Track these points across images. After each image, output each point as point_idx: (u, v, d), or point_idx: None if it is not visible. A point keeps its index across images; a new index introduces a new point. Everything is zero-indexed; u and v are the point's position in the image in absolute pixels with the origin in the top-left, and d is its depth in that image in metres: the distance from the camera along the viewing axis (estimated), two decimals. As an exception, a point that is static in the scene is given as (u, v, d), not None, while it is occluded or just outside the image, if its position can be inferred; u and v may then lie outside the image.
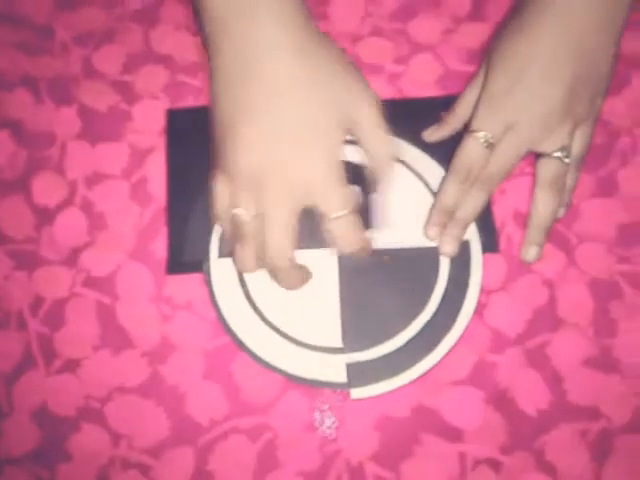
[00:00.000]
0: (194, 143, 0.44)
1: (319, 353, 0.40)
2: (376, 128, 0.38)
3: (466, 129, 0.42)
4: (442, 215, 0.41)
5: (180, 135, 0.45)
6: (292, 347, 0.41)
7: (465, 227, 0.42)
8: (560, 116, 0.39)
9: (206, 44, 0.37)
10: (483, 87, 0.41)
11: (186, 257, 0.42)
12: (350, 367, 0.40)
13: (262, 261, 0.38)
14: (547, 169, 0.41)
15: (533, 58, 0.39)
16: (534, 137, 0.40)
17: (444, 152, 0.43)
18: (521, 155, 0.41)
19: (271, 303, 0.41)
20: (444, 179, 0.42)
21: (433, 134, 0.45)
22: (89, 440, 0.40)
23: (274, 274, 0.39)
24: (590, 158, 0.43)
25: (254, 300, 0.41)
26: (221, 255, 0.42)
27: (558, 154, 0.40)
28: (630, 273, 0.42)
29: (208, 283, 0.42)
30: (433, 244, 0.42)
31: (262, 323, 0.41)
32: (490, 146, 0.40)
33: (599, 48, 0.40)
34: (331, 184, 0.36)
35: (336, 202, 0.36)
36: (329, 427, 0.40)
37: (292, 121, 0.36)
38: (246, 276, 0.42)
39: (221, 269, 0.42)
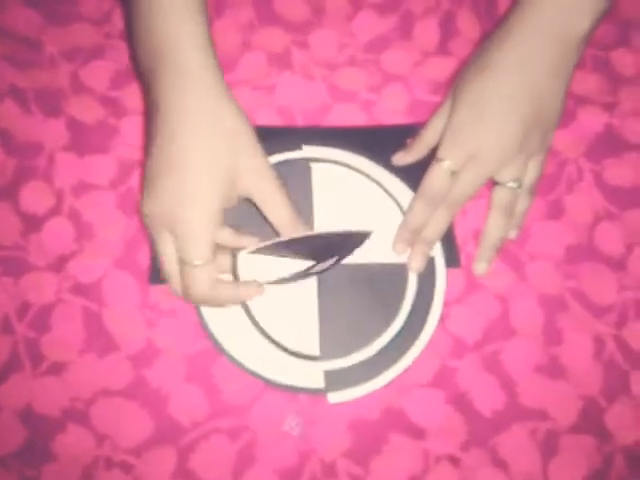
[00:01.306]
0: None
1: (298, 359, 0.43)
2: (273, 197, 0.41)
3: (432, 155, 0.46)
4: (409, 233, 0.46)
5: None
6: (272, 353, 0.43)
7: (431, 245, 0.46)
8: (515, 150, 0.44)
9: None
10: (449, 119, 0.45)
11: None
12: (327, 373, 0.43)
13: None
14: (500, 196, 0.46)
15: (493, 97, 0.44)
16: (492, 167, 0.45)
17: (412, 175, 0.48)
18: (481, 182, 0.45)
19: (253, 310, 0.44)
20: (412, 201, 0.46)
21: (401, 158, 0.49)
22: (74, 440, 0.42)
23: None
24: (541, 184, 0.48)
25: (235, 309, 0.44)
26: None
27: (511, 184, 0.45)
28: (575, 289, 0.47)
29: None
30: (402, 260, 0.46)
31: (243, 329, 0.44)
32: (454, 173, 0.44)
33: (551, 90, 0.45)
34: (193, 234, 0.39)
35: (193, 249, 0.39)
36: (301, 429, 0.43)
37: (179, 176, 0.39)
38: None
39: None
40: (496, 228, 0.46)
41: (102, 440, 0.42)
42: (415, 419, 0.43)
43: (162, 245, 0.40)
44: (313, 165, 0.48)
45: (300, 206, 0.45)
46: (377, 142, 0.49)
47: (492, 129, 0.44)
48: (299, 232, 0.42)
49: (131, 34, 0.42)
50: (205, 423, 0.42)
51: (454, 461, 0.43)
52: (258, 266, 0.42)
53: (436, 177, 0.45)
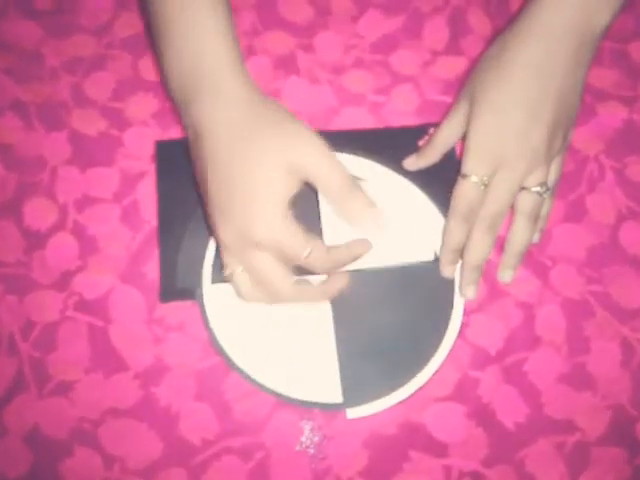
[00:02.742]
0: (183, 173, 0.45)
1: (314, 375, 0.42)
2: (325, 168, 0.38)
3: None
4: (452, 254, 0.44)
5: (169, 165, 0.46)
6: (286, 368, 0.42)
7: (480, 270, 0.44)
8: (542, 154, 0.42)
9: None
10: (471, 128, 0.43)
11: (178, 284, 0.43)
12: (346, 388, 0.41)
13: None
14: (526, 202, 0.43)
15: (518, 102, 0.42)
16: (523, 175, 0.42)
17: (423, 177, 0.46)
18: (514, 192, 0.43)
19: (264, 328, 0.43)
20: (447, 222, 0.44)
21: (413, 164, 0.47)
22: (82, 463, 0.40)
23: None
24: (561, 184, 0.46)
25: (247, 324, 0.43)
26: (214, 281, 0.43)
27: (537, 189, 0.43)
28: (600, 293, 0.45)
29: (201, 307, 0.43)
30: (414, 261, 0.44)
31: (255, 343, 0.42)
32: (484, 186, 0.42)
33: (572, 88, 0.43)
34: (281, 235, 0.38)
35: (293, 248, 0.38)
36: (317, 446, 0.41)
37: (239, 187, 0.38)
38: (239, 303, 0.42)
39: (215, 294, 0.43)
40: (522, 234, 0.44)
41: (111, 462, 0.41)
42: (435, 434, 0.42)
43: (251, 264, 0.39)
44: None
45: (307, 216, 0.43)
46: (386, 145, 0.47)
47: (519, 135, 0.42)
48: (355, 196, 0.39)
49: (160, 56, 0.41)
50: (216, 442, 0.41)
51: (478, 478, 0.41)
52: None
53: (466, 193, 0.42)
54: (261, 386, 0.41)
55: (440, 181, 0.46)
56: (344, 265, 0.41)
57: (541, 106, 0.42)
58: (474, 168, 0.42)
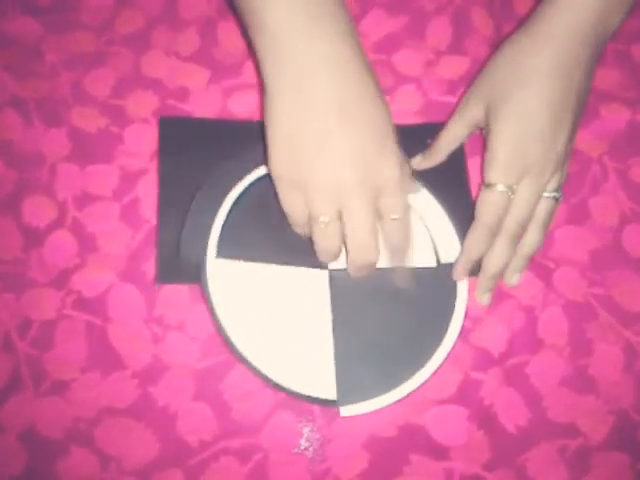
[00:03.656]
0: (186, 150, 0.46)
1: (313, 369, 0.41)
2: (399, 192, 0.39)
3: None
4: (470, 263, 0.43)
5: (172, 142, 0.46)
6: (284, 357, 0.41)
7: (498, 277, 0.43)
8: (563, 158, 0.42)
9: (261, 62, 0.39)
10: (494, 136, 0.42)
11: (178, 265, 0.43)
12: (340, 385, 0.41)
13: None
14: (545, 208, 0.43)
15: (541, 108, 0.41)
16: (546, 180, 0.42)
17: (429, 178, 0.46)
18: (538, 198, 0.42)
19: (266, 313, 0.42)
20: (471, 231, 0.43)
21: (420, 163, 0.46)
22: (78, 463, 0.40)
23: (357, 269, 0.41)
24: (564, 186, 0.46)
25: (250, 306, 0.42)
26: (219, 256, 0.43)
27: (555, 194, 0.43)
28: (603, 296, 0.44)
29: (204, 283, 0.42)
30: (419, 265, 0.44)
31: (263, 335, 0.42)
32: (511, 195, 0.41)
33: (587, 92, 0.43)
34: (397, 187, 0.38)
35: (395, 205, 0.39)
36: (316, 448, 0.41)
37: (354, 135, 0.38)
38: (242, 285, 0.42)
39: (219, 271, 0.42)
40: (536, 239, 0.43)
41: (107, 462, 0.40)
42: (436, 437, 0.41)
43: (329, 212, 0.38)
44: None
45: None
46: (408, 136, 0.47)
47: (545, 141, 0.41)
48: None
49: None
50: (214, 443, 0.41)
51: (479, 481, 0.40)
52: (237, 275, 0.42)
53: (493, 203, 0.42)
54: (259, 373, 0.41)
55: (447, 182, 0.46)
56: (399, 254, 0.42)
57: (563, 110, 0.41)
58: (500, 177, 0.41)
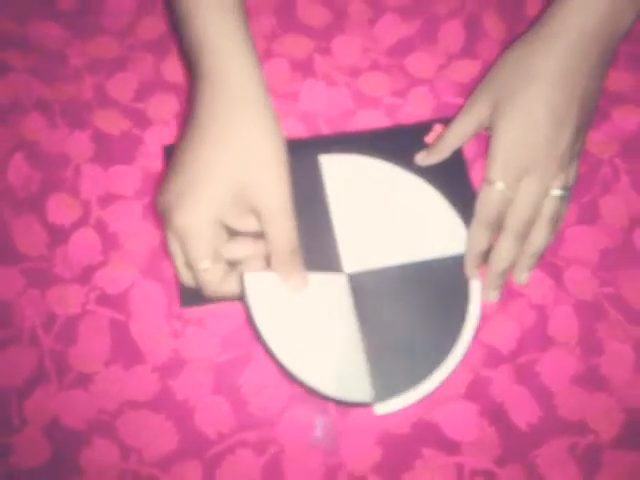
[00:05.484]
0: None
1: (346, 372, 0.42)
2: (276, 218, 0.39)
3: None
4: (477, 259, 0.44)
5: None
6: (321, 362, 0.42)
7: (506, 275, 0.44)
8: (568, 157, 0.43)
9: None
10: (497, 134, 0.43)
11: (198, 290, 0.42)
12: (375, 385, 0.42)
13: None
14: (549, 206, 0.43)
15: (546, 108, 0.42)
16: (550, 179, 0.42)
17: (431, 174, 0.47)
18: (542, 197, 0.43)
19: (299, 318, 0.42)
20: (471, 228, 0.44)
21: (424, 159, 0.47)
22: (100, 454, 0.41)
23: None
24: (575, 187, 0.46)
25: (285, 317, 0.42)
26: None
27: (560, 192, 0.43)
28: (613, 295, 0.45)
29: (245, 300, 0.41)
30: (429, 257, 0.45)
31: (294, 340, 0.42)
32: (510, 192, 0.42)
33: (596, 92, 0.43)
34: (192, 233, 0.38)
35: (195, 253, 0.38)
36: (330, 441, 0.42)
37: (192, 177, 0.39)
38: (275, 295, 0.42)
39: (255, 285, 0.42)
40: (543, 237, 0.44)
41: (128, 453, 0.41)
42: (448, 432, 0.42)
43: (171, 245, 0.40)
44: (325, 170, 0.47)
45: (316, 213, 0.44)
46: (393, 142, 0.48)
47: (548, 141, 0.42)
48: (292, 267, 0.40)
49: (174, 27, 0.42)
50: (231, 436, 0.42)
51: (489, 477, 0.41)
52: (268, 284, 0.41)
53: (492, 200, 0.43)
54: (294, 378, 0.41)
55: (448, 178, 0.47)
56: (226, 295, 0.40)
57: (568, 110, 0.42)
58: (501, 174, 0.42)
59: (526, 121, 0.42)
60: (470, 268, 0.44)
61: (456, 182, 0.47)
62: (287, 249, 0.40)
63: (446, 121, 0.48)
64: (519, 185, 0.42)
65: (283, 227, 0.39)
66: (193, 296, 0.43)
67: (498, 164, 0.43)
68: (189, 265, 0.39)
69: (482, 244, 0.44)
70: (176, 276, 0.43)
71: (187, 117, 0.41)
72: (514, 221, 0.43)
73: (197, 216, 0.38)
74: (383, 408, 0.41)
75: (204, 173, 0.38)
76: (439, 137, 0.47)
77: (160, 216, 0.40)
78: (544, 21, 0.43)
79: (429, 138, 0.48)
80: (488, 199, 0.43)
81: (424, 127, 0.49)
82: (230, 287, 0.40)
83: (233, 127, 0.39)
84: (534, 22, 0.45)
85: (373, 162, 0.47)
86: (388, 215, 0.46)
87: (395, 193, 0.47)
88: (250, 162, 0.39)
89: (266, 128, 0.39)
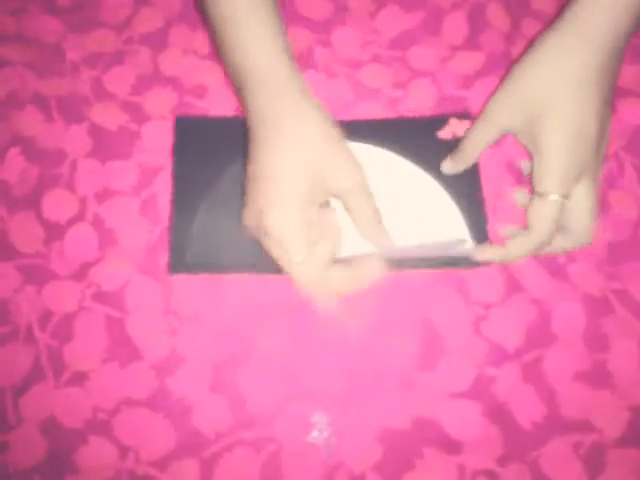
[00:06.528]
0: (200, 149, 0.47)
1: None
2: (359, 198, 0.40)
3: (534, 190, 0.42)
4: (499, 259, 0.43)
5: (186, 140, 0.47)
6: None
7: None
8: (604, 159, 0.43)
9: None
10: (548, 144, 0.41)
11: (190, 256, 0.44)
12: None
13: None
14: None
15: (596, 114, 0.41)
16: (597, 182, 0.42)
17: (437, 168, 0.46)
18: (595, 204, 0.42)
19: None
20: (524, 241, 0.42)
21: (450, 169, 0.46)
22: (96, 453, 0.41)
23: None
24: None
25: None
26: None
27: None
28: (620, 290, 0.44)
29: None
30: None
31: None
32: (564, 202, 0.41)
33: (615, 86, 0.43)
34: (286, 230, 0.39)
35: (290, 248, 0.39)
36: (329, 440, 0.41)
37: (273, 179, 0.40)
38: None
39: None
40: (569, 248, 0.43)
41: (125, 452, 0.41)
42: (449, 431, 0.41)
43: (274, 252, 0.40)
44: None
45: None
46: (404, 134, 0.47)
47: (593, 147, 0.41)
48: (383, 234, 0.42)
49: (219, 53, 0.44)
50: (229, 434, 0.41)
51: (492, 477, 0.40)
52: None
53: (549, 219, 0.41)
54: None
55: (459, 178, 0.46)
56: (327, 289, 0.40)
57: (607, 113, 0.42)
58: (557, 187, 0.40)
59: (579, 133, 0.40)
60: (483, 256, 0.43)
61: (468, 184, 0.46)
62: (374, 221, 0.41)
63: (462, 115, 0.47)
64: (571, 193, 0.41)
65: (367, 201, 0.41)
66: (183, 264, 0.43)
67: (553, 177, 0.41)
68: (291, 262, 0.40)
69: (521, 257, 0.42)
70: (170, 248, 0.44)
71: (249, 135, 0.41)
72: (570, 234, 0.42)
73: (287, 218, 0.39)
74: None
75: (281, 177, 0.39)
76: (462, 145, 0.45)
77: (253, 229, 0.41)
78: (567, 21, 0.42)
79: (443, 133, 0.47)
80: (547, 218, 0.41)
81: (439, 120, 0.48)
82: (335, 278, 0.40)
83: (295, 125, 0.40)
84: (541, 15, 0.44)
85: (382, 153, 0.47)
86: (388, 203, 0.45)
87: (397, 183, 0.46)
88: (318, 151, 0.40)
89: (322, 117, 0.41)
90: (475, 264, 0.43)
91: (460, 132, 0.47)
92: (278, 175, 0.39)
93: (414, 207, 0.45)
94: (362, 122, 0.48)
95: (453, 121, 0.48)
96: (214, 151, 0.47)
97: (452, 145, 0.46)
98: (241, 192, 0.42)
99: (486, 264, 0.43)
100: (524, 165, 0.47)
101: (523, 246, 0.42)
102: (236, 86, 0.43)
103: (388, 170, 0.46)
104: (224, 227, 0.44)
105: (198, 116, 0.48)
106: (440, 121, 0.48)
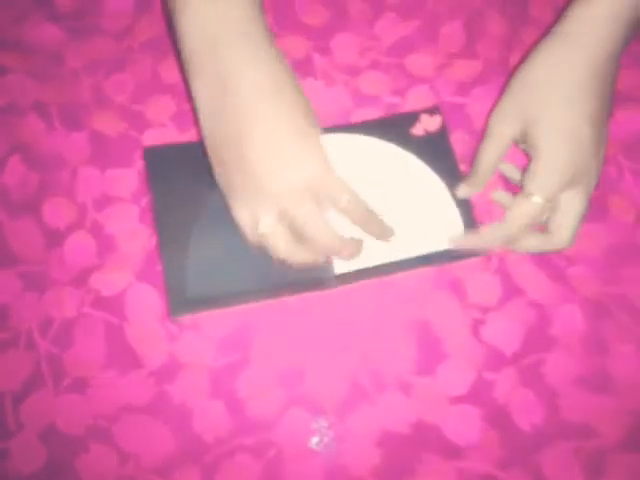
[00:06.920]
0: (177, 177, 0.45)
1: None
2: (341, 192, 0.40)
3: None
4: (477, 247, 0.44)
5: (161, 171, 0.46)
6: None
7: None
8: (601, 166, 0.43)
9: (185, 71, 0.40)
10: (541, 150, 0.41)
11: (189, 295, 0.43)
12: None
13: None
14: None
15: (590, 121, 0.41)
16: (591, 190, 0.42)
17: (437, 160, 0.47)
18: (582, 211, 0.42)
19: None
20: (497, 227, 0.43)
21: (466, 192, 0.46)
22: (97, 459, 0.41)
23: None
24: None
25: None
26: None
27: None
28: (619, 294, 0.44)
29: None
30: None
31: None
32: (548, 204, 0.42)
33: (614, 91, 0.44)
34: (327, 175, 0.39)
35: (336, 191, 0.39)
36: (329, 444, 0.41)
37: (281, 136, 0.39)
38: None
39: None
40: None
41: (125, 459, 0.41)
42: (449, 435, 0.41)
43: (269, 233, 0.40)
44: None
45: None
46: (374, 134, 0.47)
47: (591, 155, 0.42)
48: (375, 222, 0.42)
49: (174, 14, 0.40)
50: (229, 440, 0.41)
51: (492, 481, 0.40)
52: None
53: (526, 215, 0.42)
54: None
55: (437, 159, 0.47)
56: (372, 223, 0.42)
57: (603, 119, 0.42)
58: (543, 190, 0.41)
59: (572, 138, 0.41)
60: (462, 245, 0.44)
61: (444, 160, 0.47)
62: (362, 212, 0.41)
63: (431, 111, 0.48)
64: (559, 197, 0.42)
65: (351, 199, 0.40)
66: (184, 306, 0.42)
67: (539, 181, 0.41)
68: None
69: (494, 244, 0.43)
70: (167, 290, 0.43)
71: (219, 95, 0.39)
72: (559, 234, 0.42)
73: (324, 158, 0.39)
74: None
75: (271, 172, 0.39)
76: (475, 166, 0.45)
77: (253, 232, 0.40)
78: (565, 28, 0.42)
79: (416, 129, 0.48)
80: (524, 213, 0.42)
81: (410, 117, 0.48)
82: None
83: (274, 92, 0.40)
84: (539, 23, 0.44)
85: (361, 139, 0.47)
86: (377, 192, 0.45)
87: (384, 170, 0.46)
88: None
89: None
90: (458, 256, 0.44)
91: (431, 128, 0.48)
92: (266, 170, 0.39)
93: (401, 188, 0.46)
94: (337, 128, 0.47)
95: (424, 117, 0.48)
96: (192, 177, 0.45)
97: (425, 141, 0.47)
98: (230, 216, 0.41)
99: (468, 255, 0.44)
100: (507, 169, 0.47)
101: (492, 235, 0.43)
102: (205, 45, 0.39)
103: (371, 156, 0.47)
104: (221, 253, 0.43)
105: (167, 144, 0.47)
106: (411, 118, 0.48)
